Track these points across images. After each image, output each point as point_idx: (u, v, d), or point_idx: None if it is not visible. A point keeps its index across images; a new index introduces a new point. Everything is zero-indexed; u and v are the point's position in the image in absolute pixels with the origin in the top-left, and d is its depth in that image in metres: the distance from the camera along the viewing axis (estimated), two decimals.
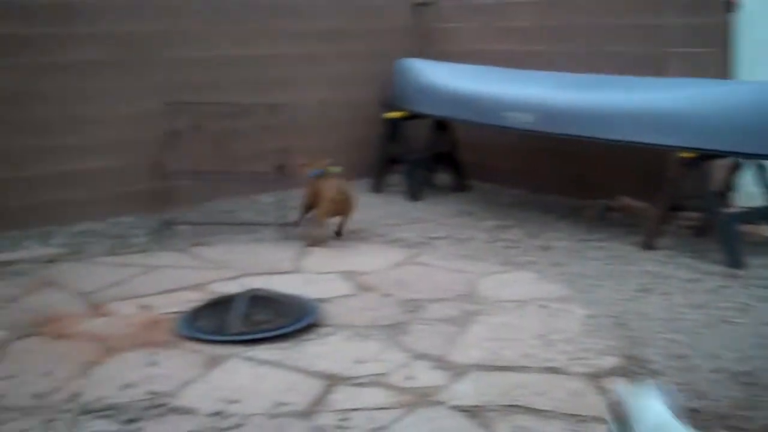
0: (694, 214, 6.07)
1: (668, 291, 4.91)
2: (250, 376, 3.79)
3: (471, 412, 3.47)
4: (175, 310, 4.56)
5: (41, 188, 6.11)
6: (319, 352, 4.07)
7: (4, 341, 4.13)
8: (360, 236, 6.08)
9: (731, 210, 6.17)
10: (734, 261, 5.33)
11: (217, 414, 3.42)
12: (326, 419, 3.40)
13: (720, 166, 6.35)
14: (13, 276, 5.15)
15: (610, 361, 3.96)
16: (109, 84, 6.40)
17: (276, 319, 4.37)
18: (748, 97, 5.54)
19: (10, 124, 5.98)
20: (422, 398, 3.59)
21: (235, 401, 3.53)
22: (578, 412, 3.47)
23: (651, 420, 2.71)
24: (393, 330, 4.33)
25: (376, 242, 5.95)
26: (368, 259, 5.54)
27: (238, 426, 3.32)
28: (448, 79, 7.15)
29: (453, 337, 4.25)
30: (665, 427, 2.66)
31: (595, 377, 3.79)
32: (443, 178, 7.72)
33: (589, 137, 6.03)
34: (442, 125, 7.68)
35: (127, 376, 3.74)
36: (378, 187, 7.43)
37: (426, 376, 3.81)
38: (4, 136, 5.95)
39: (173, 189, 6.28)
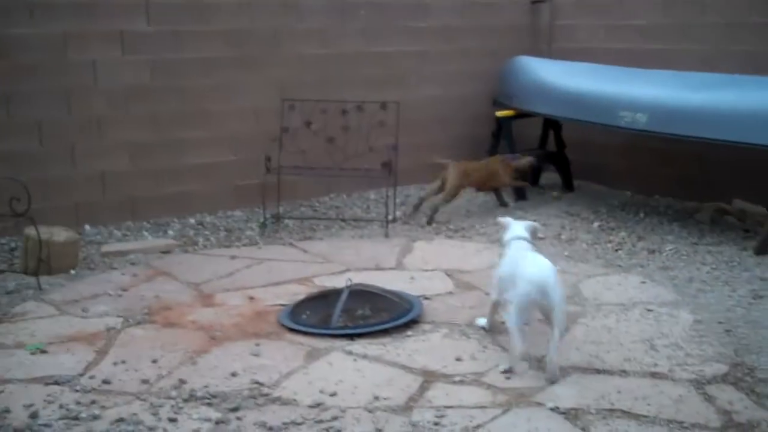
0: None
1: None
2: (350, 370, 3.86)
3: (569, 414, 3.44)
4: (280, 302, 4.68)
5: (159, 181, 6.37)
6: (418, 348, 4.11)
7: (116, 328, 4.33)
8: (464, 234, 6.09)
9: None
10: None
11: (316, 406, 3.50)
12: (423, 415, 3.43)
13: None
14: (129, 265, 5.39)
15: (716, 368, 3.85)
16: (228, 80, 6.62)
17: (377, 315, 4.44)
18: None
19: (133, 119, 6.25)
20: (520, 398, 3.58)
21: (334, 394, 3.60)
22: (680, 418, 3.39)
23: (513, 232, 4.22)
24: (492, 329, 4.32)
25: (479, 241, 5.94)
26: (471, 257, 5.55)
27: (335, 418, 3.39)
28: (560, 77, 7.07)
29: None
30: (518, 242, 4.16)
31: (700, 384, 3.70)
32: (550, 177, 7.63)
33: (703, 138, 5.85)
34: (552, 124, 7.59)
35: (232, 365, 3.87)
36: None
37: (524, 376, 3.79)
38: (126, 131, 6.23)
39: (283, 184, 6.43)
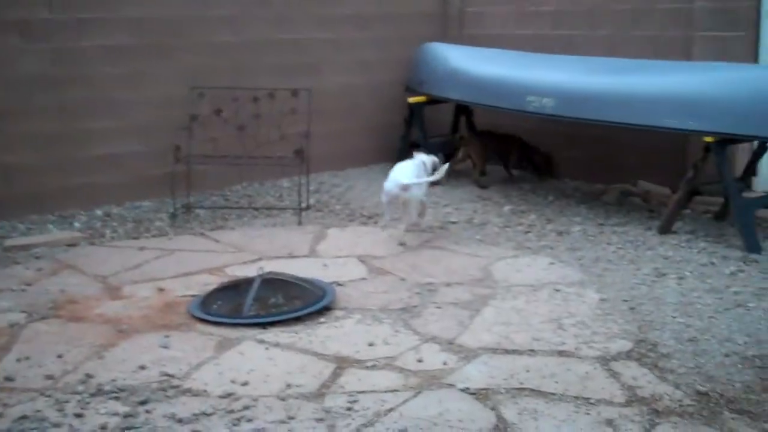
0: (714, 199, 6.03)
1: (684, 275, 4.89)
2: (262, 359, 3.83)
3: (479, 394, 3.48)
4: (191, 293, 4.61)
5: (65, 172, 6.17)
6: (331, 334, 4.10)
7: (19, 324, 4.19)
8: (377, 220, 6.10)
9: (751, 195, 6.13)
10: (752, 246, 5.28)
11: (227, 396, 3.46)
12: (335, 401, 3.43)
13: (742, 150, 6.31)
14: (33, 259, 5.22)
15: (620, 345, 3.96)
16: (136, 69, 6.46)
17: (290, 303, 4.41)
18: None
19: (36, 109, 6.05)
20: (432, 381, 3.61)
21: (246, 383, 3.57)
22: (587, 395, 3.48)
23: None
24: (405, 313, 4.35)
25: (392, 227, 5.95)
26: (384, 243, 5.57)
27: (247, 407, 3.36)
28: (470, 63, 7.13)
29: (464, 320, 4.26)
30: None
31: (605, 360, 3.79)
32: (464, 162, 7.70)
33: (608, 122, 6.00)
34: (463, 110, 7.67)
35: (140, 358, 3.79)
36: None
37: (436, 358, 3.83)
38: (30, 121, 6.02)
39: (193, 173, 6.33)
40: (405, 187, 5.45)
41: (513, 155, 7.33)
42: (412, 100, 7.41)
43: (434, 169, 5.69)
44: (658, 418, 3.30)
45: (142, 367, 3.70)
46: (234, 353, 3.89)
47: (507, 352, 3.91)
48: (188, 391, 3.50)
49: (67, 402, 3.38)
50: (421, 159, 5.75)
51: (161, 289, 4.69)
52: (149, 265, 5.10)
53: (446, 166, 5.69)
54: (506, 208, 6.39)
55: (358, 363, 3.79)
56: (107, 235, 5.73)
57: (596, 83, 6.16)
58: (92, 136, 6.31)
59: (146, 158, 6.51)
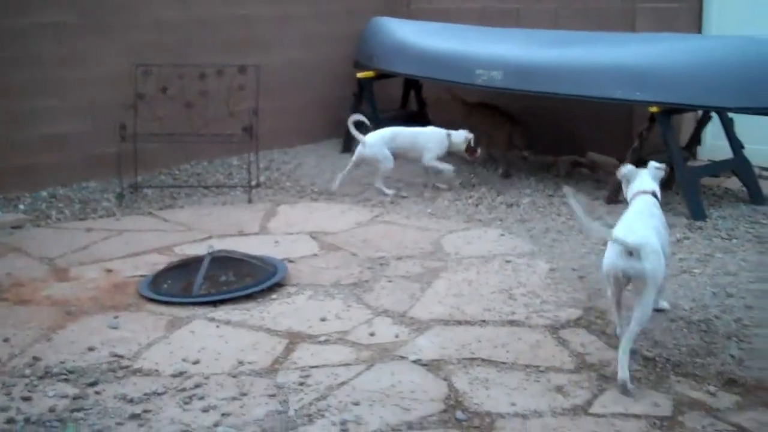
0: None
1: None
2: (213, 337, 3.81)
3: (431, 365, 3.51)
4: (139, 273, 4.56)
5: (8, 154, 6.03)
6: (283, 311, 4.09)
7: None
8: (328, 196, 6.09)
9: (696, 163, 6.24)
10: (697, 213, 5.38)
11: (178, 375, 3.44)
12: (288, 376, 3.43)
13: (687, 120, 6.41)
14: None
15: (569, 313, 4.02)
16: (80, 47, 6.31)
17: (240, 280, 4.39)
18: (717, 52, 5.56)
19: None
20: (384, 353, 3.63)
21: (197, 362, 3.55)
22: (537, 363, 3.53)
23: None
24: (357, 288, 4.36)
25: (343, 202, 5.96)
26: (335, 218, 5.56)
27: (199, 386, 3.35)
28: (418, 37, 7.11)
29: (416, 293, 4.28)
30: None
31: (555, 329, 3.85)
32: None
33: (556, 94, 6.04)
34: (412, 84, 7.65)
35: (89, 339, 3.75)
36: (348, 147, 7.40)
37: (388, 332, 3.85)
38: None
39: (140, 152, 6.23)
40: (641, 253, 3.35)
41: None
42: (360, 75, 7.38)
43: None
44: (606, 383, 3.36)
45: (91, 349, 3.66)
46: (185, 332, 3.86)
47: (458, 323, 3.94)
48: (138, 371, 3.48)
49: (14, 386, 3.34)
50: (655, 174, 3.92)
51: (109, 270, 4.63)
52: (97, 246, 5.03)
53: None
54: (456, 181, 6.41)
55: (311, 338, 3.79)
56: (53, 217, 5.63)
57: (543, 56, 6.19)
58: (36, 116, 6.17)
59: (92, 138, 6.38)
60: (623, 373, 3.25)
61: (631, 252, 3.29)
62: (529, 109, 6.99)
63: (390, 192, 6.09)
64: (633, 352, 3.56)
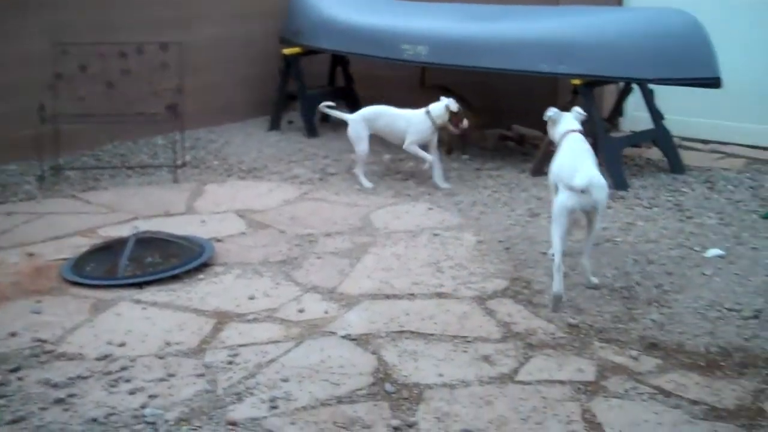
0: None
1: None
2: (139, 319, 3.75)
3: (360, 340, 3.53)
4: (62, 256, 4.46)
5: None
6: (210, 290, 4.06)
7: None
8: (256, 174, 6.03)
9: (618, 134, 6.36)
10: (619, 183, 5.50)
11: (104, 358, 3.39)
12: (216, 356, 3.40)
13: (609, 92, 6.52)
14: None
15: (496, 284, 4.07)
16: None
17: (167, 261, 4.33)
18: (637, 24, 5.67)
19: None
20: (313, 329, 3.63)
21: (123, 344, 3.50)
22: (464, 333, 3.57)
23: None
24: (286, 265, 4.34)
25: (271, 180, 5.91)
26: (263, 196, 5.51)
27: (125, 368, 3.30)
28: (344, 12, 7.05)
29: (345, 269, 4.28)
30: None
31: (482, 299, 3.90)
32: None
33: (482, 68, 6.08)
34: (339, 60, 7.62)
35: (11, 325, 3.66)
36: (275, 124, 7.36)
37: (317, 308, 3.84)
38: None
39: (62, 134, 6.07)
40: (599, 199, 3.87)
41: None
42: (287, 51, 7.30)
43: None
44: (532, 351, 3.42)
45: (13, 334, 3.57)
46: (110, 315, 3.80)
47: (387, 297, 3.96)
48: (63, 356, 3.41)
49: None
50: (578, 116, 4.46)
51: (31, 254, 4.51)
52: (18, 230, 4.89)
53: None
54: (386, 156, 6.41)
55: (239, 317, 3.76)
56: None
57: (469, 30, 6.22)
58: None
59: (9, 119, 6.18)
60: (558, 286, 3.72)
61: (583, 190, 3.74)
62: (456, 83, 7.02)
63: (368, 185, 5.68)
64: (558, 319, 3.66)
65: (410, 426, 2.90)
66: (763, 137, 6.25)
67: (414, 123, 5.70)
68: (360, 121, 5.77)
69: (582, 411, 2.98)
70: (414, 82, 7.30)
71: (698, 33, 5.37)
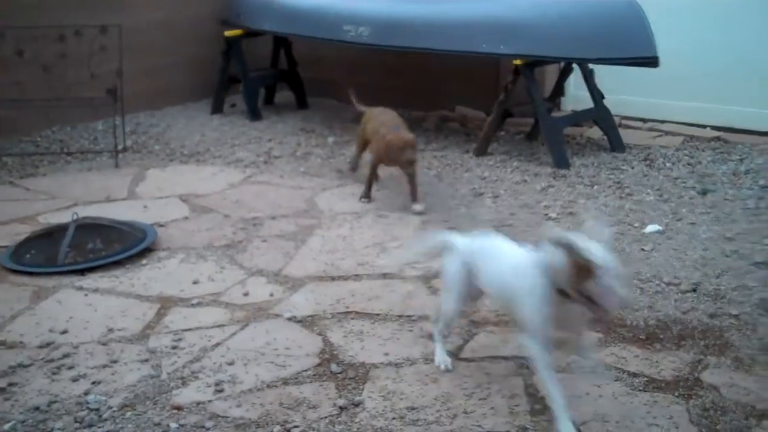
0: (526, 120, 6.28)
1: (499, 193, 5.10)
2: (81, 306, 3.70)
3: (306, 321, 3.53)
4: (1, 244, 4.37)
5: None
6: (153, 276, 4.02)
7: None
8: (198, 158, 5.97)
9: (559, 114, 6.44)
10: (561, 162, 5.56)
11: (45, 345, 3.34)
12: (160, 341, 3.38)
13: (550, 72, 6.58)
14: None
15: (441, 263, 4.09)
16: None
17: (108, 247, 4.27)
18: (577, 5, 5.71)
19: None
20: (258, 313, 3.62)
21: (65, 331, 3.45)
22: (409, 312, 3.60)
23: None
24: (230, 249, 4.32)
25: (214, 164, 5.86)
26: (206, 181, 5.47)
27: (67, 355, 3.26)
28: None
29: (290, 251, 4.28)
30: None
31: (427, 279, 3.93)
32: (283, 96, 7.64)
33: (423, 48, 6.08)
34: (282, 42, 7.56)
35: None
36: (217, 108, 7.28)
37: (262, 291, 3.84)
38: None
39: None
40: None
41: None
42: (228, 33, 7.22)
43: None
44: (476, 328, 3.46)
45: None
46: (51, 302, 3.74)
47: (333, 278, 3.97)
48: (2, 344, 3.36)
49: None
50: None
51: None
52: None
53: None
54: (330, 139, 6.40)
55: (183, 302, 3.74)
56: None
57: (410, 11, 6.21)
58: None
59: None
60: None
61: None
62: (398, 64, 7.03)
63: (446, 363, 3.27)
64: None
65: (356, 405, 2.92)
66: (699, 115, 6.37)
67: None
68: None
69: (525, 386, 3.03)
70: (359, 64, 7.29)
71: (636, 14, 5.44)
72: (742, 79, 6.21)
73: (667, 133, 6.31)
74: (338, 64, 7.41)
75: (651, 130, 6.42)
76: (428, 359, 3.21)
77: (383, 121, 5.09)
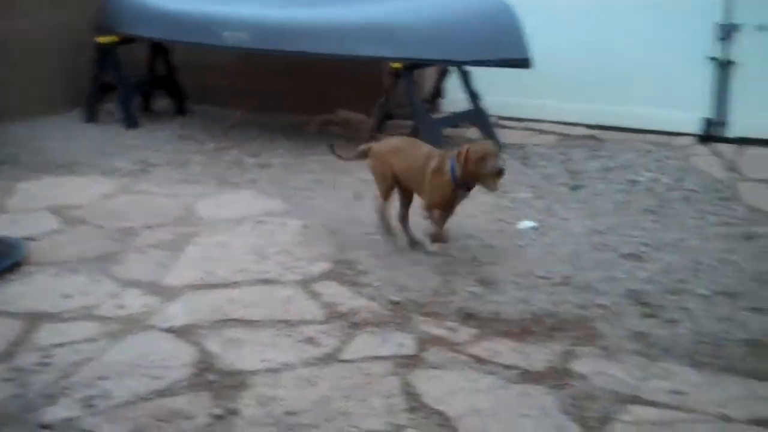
0: (407, 122, 6.34)
1: None
2: None
3: (182, 331, 3.46)
4: None
5: None
6: (22, 291, 3.86)
7: None
8: (72, 169, 5.78)
9: (438, 115, 6.54)
10: None
11: None
12: (27, 358, 3.25)
13: (429, 74, 6.68)
14: None
15: (321, 267, 4.09)
16: None
17: None
18: (453, 8, 5.81)
19: None
20: (132, 325, 3.53)
21: None
22: (288, 317, 3.58)
23: None
24: (103, 261, 4.20)
25: (88, 174, 5.68)
26: (80, 191, 5.29)
27: None
28: None
29: (166, 261, 4.19)
30: None
31: (307, 283, 3.91)
32: (162, 103, 7.49)
33: (303, 53, 6.07)
34: (159, 48, 7.40)
35: None
36: (92, 116, 7.07)
37: (137, 302, 3.74)
38: None
39: None
40: None
41: None
42: (102, 40, 7.02)
43: None
44: (355, 330, 3.46)
45: None
46: None
47: (211, 287, 3.90)
48: None
49: None
50: None
51: None
52: None
53: None
54: (209, 145, 6.31)
55: (53, 317, 3.60)
56: None
57: (289, 15, 6.19)
58: None
59: None
60: None
61: None
62: (281, 69, 6.99)
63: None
64: (381, 297, 3.73)
65: (233, 413, 2.88)
66: (572, 114, 6.59)
67: None
68: None
69: (402, 384, 3.05)
70: (241, 69, 7.21)
71: (509, 17, 5.57)
72: (612, 79, 6.45)
73: (542, 132, 6.50)
74: (220, 70, 7.31)
75: (527, 129, 6.59)
76: (307, 363, 3.20)
77: (426, 153, 4.18)
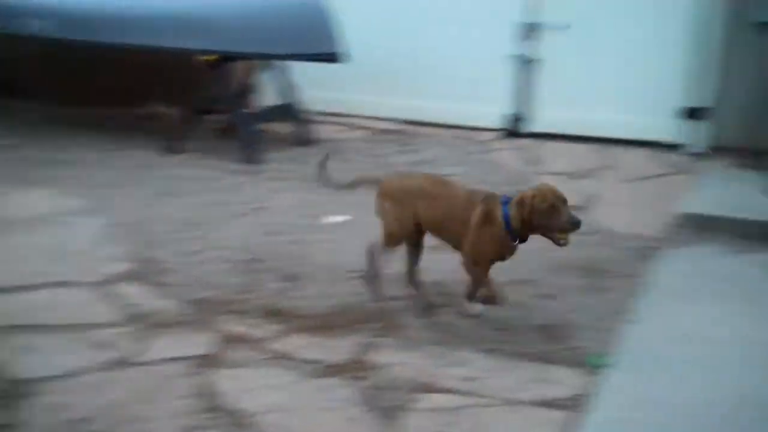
0: (221, 116, 6.26)
1: (190, 192, 5.04)
2: None
3: None
4: None
5: None
6: None
7: None
8: None
9: (251, 110, 6.49)
10: (253, 158, 5.61)
11: None
12: None
13: (242, 68, 6.61)
14: None
15: (122, 267, 3.96)
16: None
17: None
18: (267, 3, 5.80)
19: None
20: None
21: None
22: (85, 321, 3.44)
23: None
24: None
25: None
26: None
27: None
28: None
29: None
30: None
31: (105, 284, 3.77)
32: None
33: (112, 43, 5.85)
34: None
35: None
36: None
37: None
38: None
39: None
40: None
41: None
42: None
43: None
44: (153, 331, 3.37)
45: None
46: None
47: (2, 291, 3.69)
48: None
49: None
50: None
51: None
52: None
53: None
54: (5, 141, 5.96)
55: None
56: None
57: (99, 4, 5.95)
58: None
59: None
60: None
61: None
62: (92, 60, 6.70)
63: None
64: (185, 297, 3.65)
65: (20, 423, 2.73)
66: (384, 109, 6.71)
67: None
68: None
69: (201, 384, 3.00)
70: (48, 60, 6.84)
71: (320, 12, 5.62)
72: (422, 76, 6.62)
73: (355, 127, 6.58)
74: (23, 60, 6.91)
75: (340, 124, 6.65)
76: (101, 368, 3.09)
77: (465, 197, 3.44)
